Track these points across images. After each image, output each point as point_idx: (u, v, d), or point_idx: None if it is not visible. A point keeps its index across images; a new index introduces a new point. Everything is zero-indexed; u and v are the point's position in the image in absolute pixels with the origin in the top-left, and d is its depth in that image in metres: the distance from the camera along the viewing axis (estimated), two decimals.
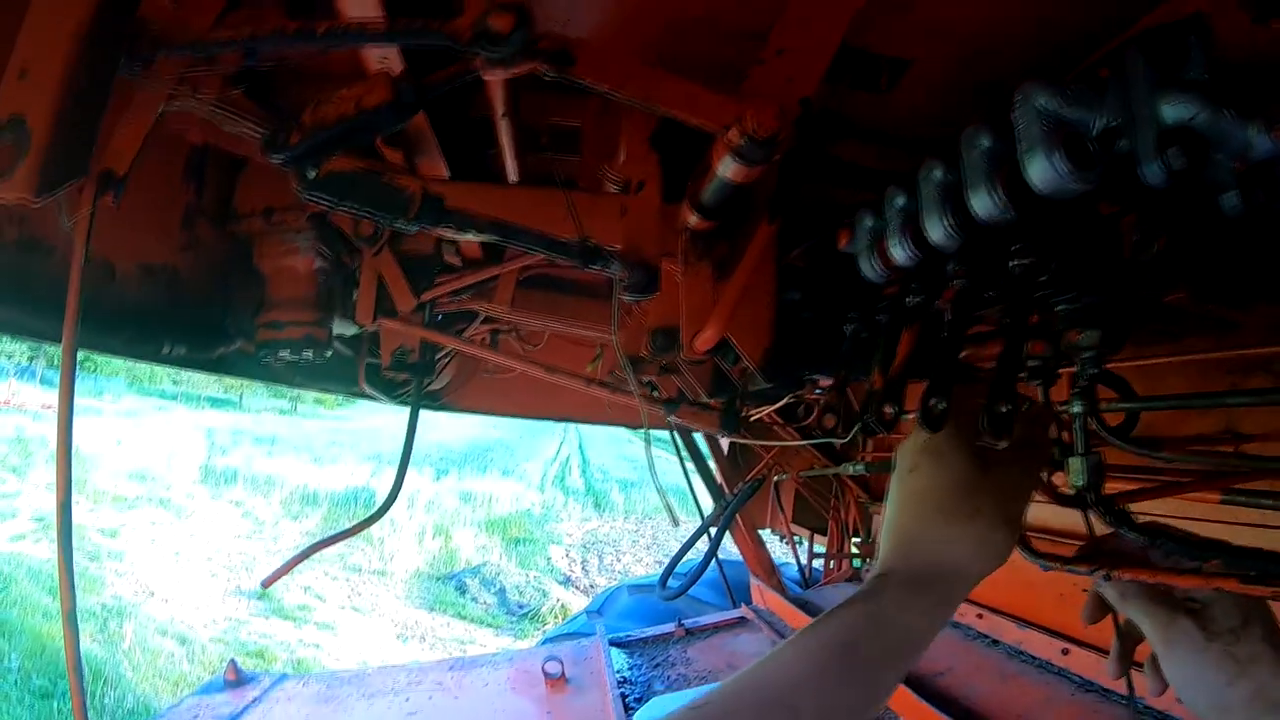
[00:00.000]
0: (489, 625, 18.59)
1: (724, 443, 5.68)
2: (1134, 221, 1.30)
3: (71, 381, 1.79)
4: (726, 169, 1.52)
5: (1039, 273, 1.30)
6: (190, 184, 2.72)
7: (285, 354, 2.92)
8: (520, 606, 19.42)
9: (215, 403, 58.44)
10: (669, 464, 4.81)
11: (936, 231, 1.45)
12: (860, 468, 3.98)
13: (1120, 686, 3.05)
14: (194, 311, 2.82)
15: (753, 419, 3.63)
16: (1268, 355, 2.31)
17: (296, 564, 3.11)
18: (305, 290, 2.94)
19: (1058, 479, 1.48)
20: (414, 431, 3.48)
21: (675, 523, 3.23)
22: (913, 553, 1.29)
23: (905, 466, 1.39)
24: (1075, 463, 1.30)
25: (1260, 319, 1.86)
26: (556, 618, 17.66)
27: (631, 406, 4.91)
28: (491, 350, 3.51)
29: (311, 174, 1.36)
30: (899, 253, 1.59)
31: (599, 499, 33.76)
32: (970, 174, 1.34)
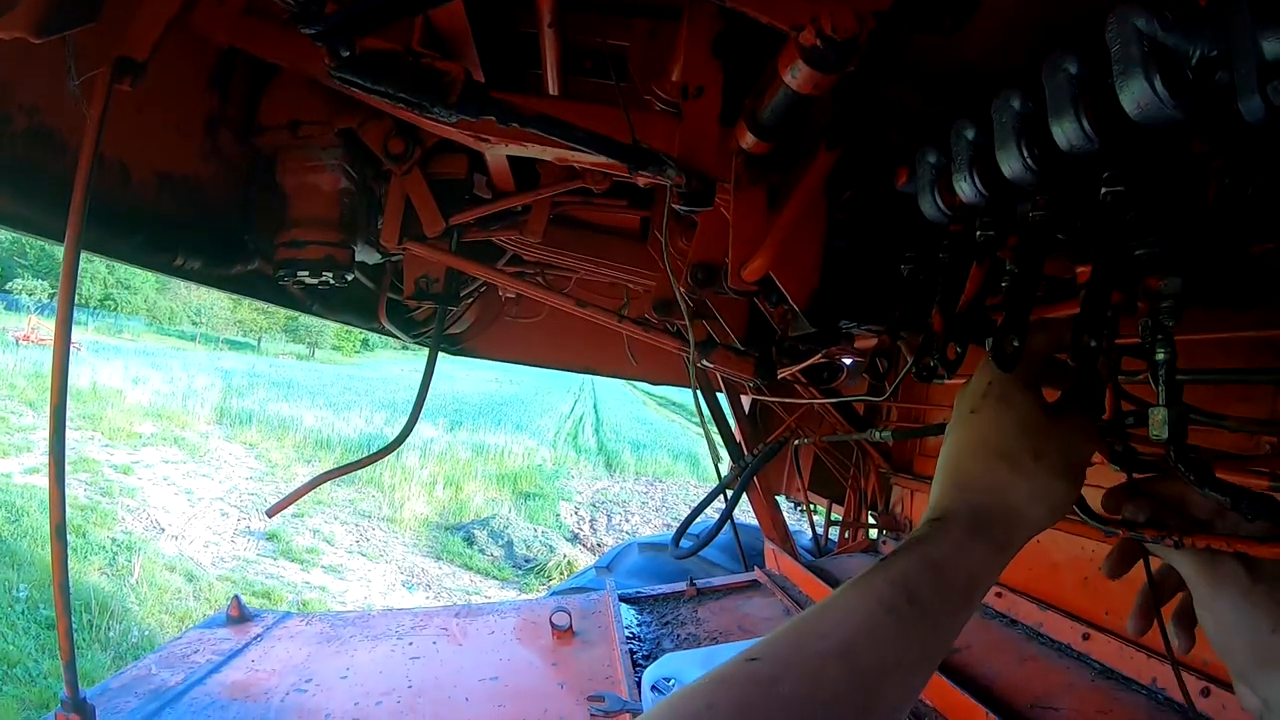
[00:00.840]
0: (495, 577, 18.64)
1: (745, 403, 5.61)
2: (1222, 165, 1.21)
3: (74, 276, 1.70)
4: (795, 77, 1.42)
5: (1130, 205, 1.20)
6: (215, 91, 2.64)
7: (304, 275, 2.83)
8: (527, 560, 19.45)
9: (233, 345, 59.30)
10: (677, 430, 4.75)
11: (1013, 164, 1.35)
12: (886, 434, 3.89)
13: (1138, 671, 2.98)
14: (212, 224, 2.74)
15: (779, 378, 3.56)
16: None
17: (303, 494, 3.04)
18: (328, 209, 2.84)
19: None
20: (433, 364, 3.40)
21: (717, 459, 3.15)
22: (972, 495, 1.23)
23: (966, 408, 1.31)
24: (1159, 414, 1.20)
25: None
26: (563, 574, 17.74)
27: (654, 358, 4.85)
28: (520, 281, 3.39)
29: (345, 52, 1.25)
30: (966, 188, 1.49)
31: (610, 458, 33.97)
32: (1054, 100, 1.24)
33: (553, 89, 2.25)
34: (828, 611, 1.08)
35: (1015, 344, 1.24)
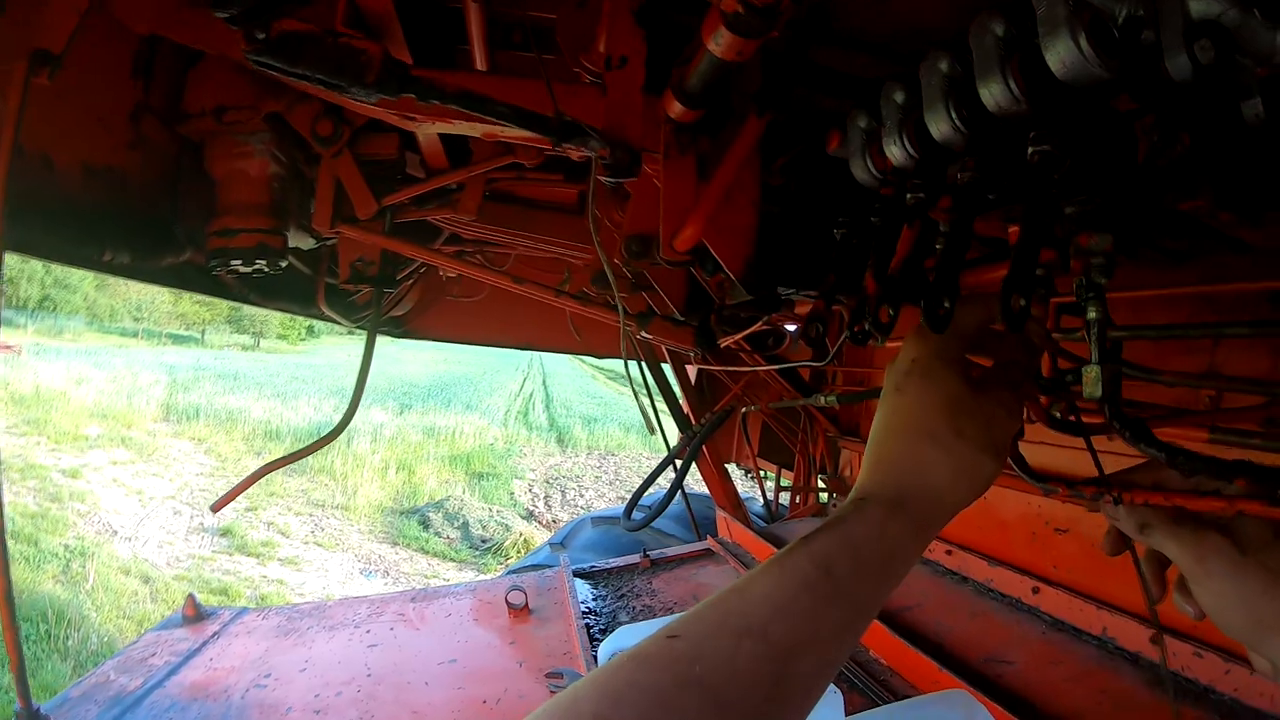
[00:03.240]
0: (452, 559, 18.53)
1: (691, 373, 5.64)
2: (1152, 123, 1.21)
3: None
4: (719, 44, 1.41)
5: (1057, 164, 1.19)
6: (138, 79, 2.57)
7: (237, 264, 2.77)
8: (483, 540, 19.37)
9: (177, 339, 58.48)
10: (628, 403, 4.77)
11: (941, 126, 1.35)
12: (831, 399, 3.90)
13: (1089, 622, 3.03)
14: (140, 216, 2.68)
15: (722, 347, 3.57)
16: (1257, 292, 2.25)
17: (247, 486, 2.99)
18: (259, 195, 2.78)
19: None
20: (372, 349, 3.35)
21: (652, 430, 3.16)
22: (893, 475, 1.24)
23: (891, 386, 1.32)
24: (1092, 371, 1.19)
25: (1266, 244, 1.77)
26: (519, 552, 17.57)
27: (599, 332, 4.85)
28: (458, 260, 3.35)
29: (261, 34, 1.22)
30: (896, 152, 1.49)
31: (562, 434, 33.85)
32: (982, 62, 1.24)
33: (480, 64, 2.22)
34: (747, 588, 1.08)
35: (946, 305, 1.23)
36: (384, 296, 3.60)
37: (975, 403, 1.23)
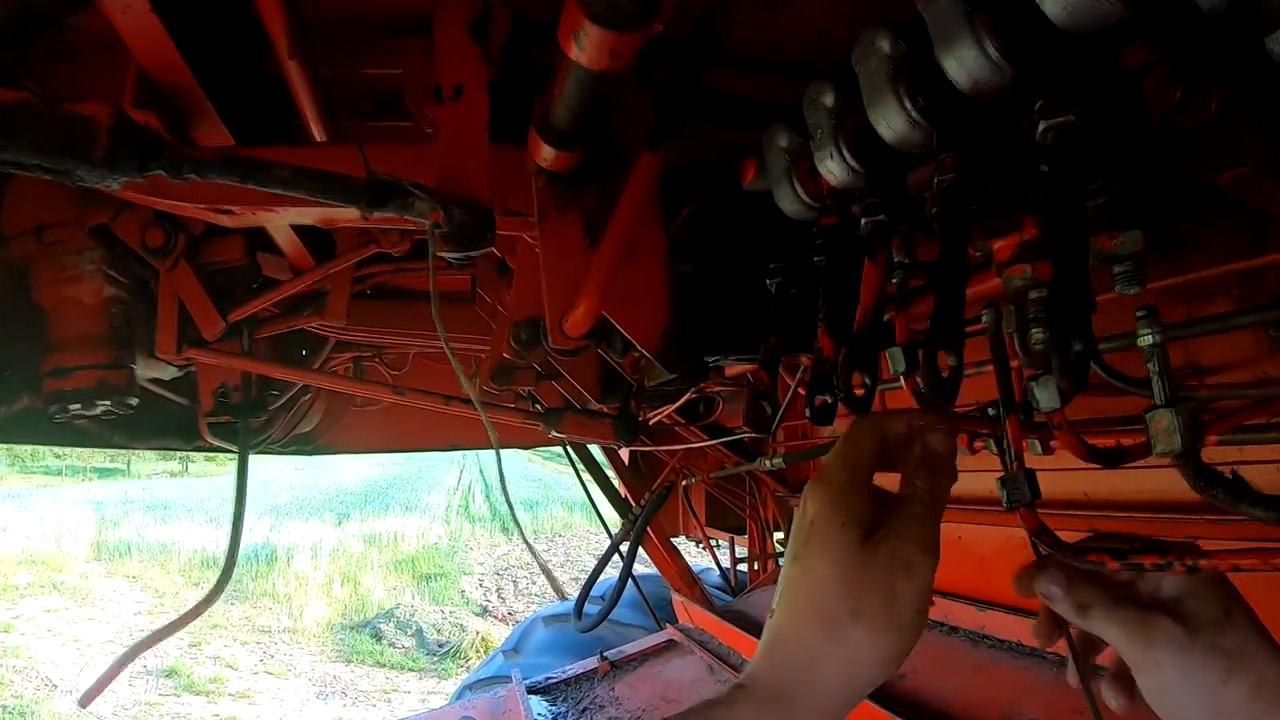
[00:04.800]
0: (410, 669, 18.08)
1: (624, 452, 5.43)
2: (1165, 77, 0.92)
3: None
4: (584, 47, 1.07)
5: (1082, 139, 0.86)
6: None
7: (77, 407, 2.43)
8: (440, 645, 18.99)
9: (102, 473, 57.75)
10: (569, 481, 4.56)
11: (893, 121, 1.05)
12: (777, 461, 3.62)
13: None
14: None
15: (652, 422, 3.26)
16: (1223, 276, 1.99)
17: (118, 672, 2.65)
18: (95, 325, 2.45)
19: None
20: (244, 489, 2.98)
21: (562, 596, 2.84)
22: (780, 666, 1.09)
23: (790, 552, 1.15)
24: (1163, 419, 0.87)
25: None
26: (478, 652, 17.37)
27: (519, 424, 4.56)
28: (324, 375, 2.97)
29: None
30: (833, 167, 1.19)
31: (505, 522, 33.65)
32: (943, 24, 0.95)
33: (319, 136, 1.86)
34: None
35: (867, 383, 0.98)
36: (290, 415, 3.39)
37: (871, 571, 1.06)
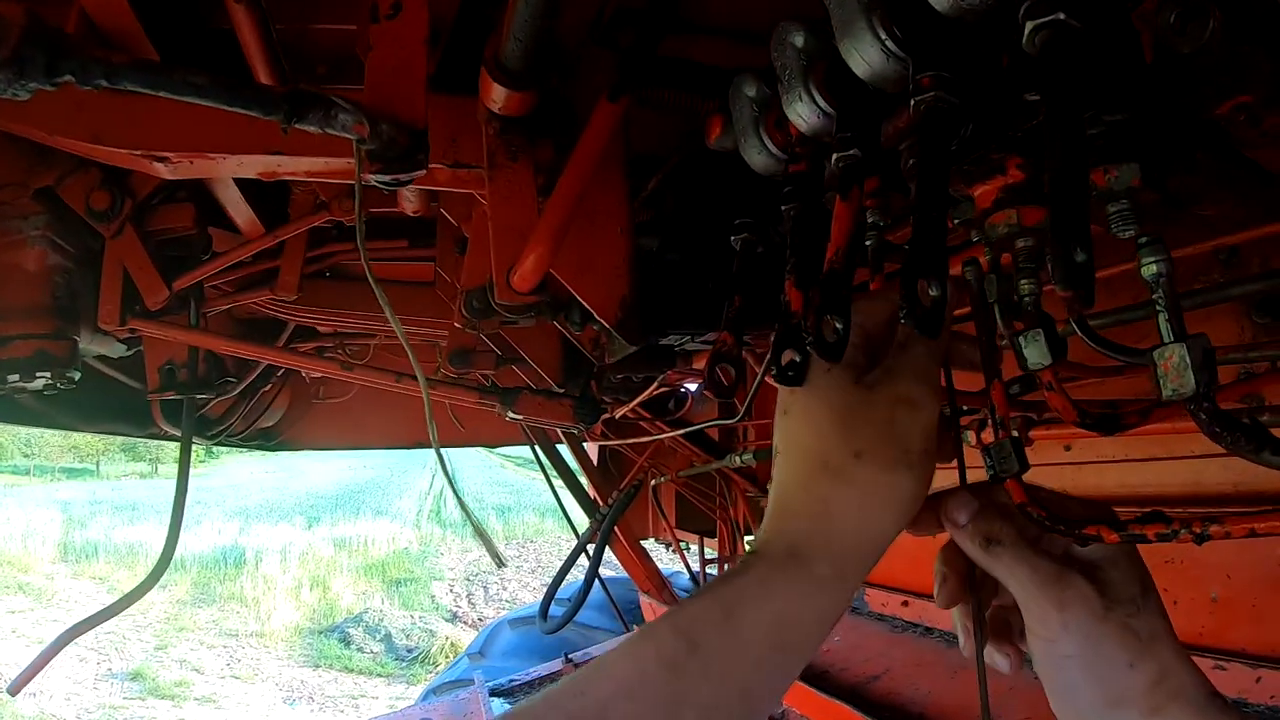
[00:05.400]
0: (378, 674, 18.17)
1: (592, 451, 5.38)
2: (1158, 6, 0.86)
3: None
4: None
5: (1078, 45, 0.78)
6: None
7: (15, 378, 2.34)
8: (408, 651, 19.08)
9: (71, 473, 57.63)
10: (541, 487, 4.50)
11: (868, 53, 0.96)
12: (747, 457, 3.54)
13: None
14: None
15: (619, 417, 3.19)
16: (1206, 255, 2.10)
17: (49, 659, 2.56)
18: (37, 294, 2.36)
19: None
20: (186, 474, 2.85)
21: (500, 564, 2.74)
22: (787, 521, 1.02)
23: (779, 408, 1.07)
24: (1173, 354, 0.79)
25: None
26: (448, 656, 17.33)
27: (485, 419, 4.48)
28: (269, 349, 2.88)
29: None
30: (803, 110, 1.10)
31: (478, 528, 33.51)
32: None
33: None
34: (600, 664, 0.96)
35: (838, 327, 0.94)
36: (251, 405, 3.40)
37: (870, 410, 1.00)
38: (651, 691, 0.91)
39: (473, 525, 1.89)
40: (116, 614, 2.78)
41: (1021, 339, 0.93)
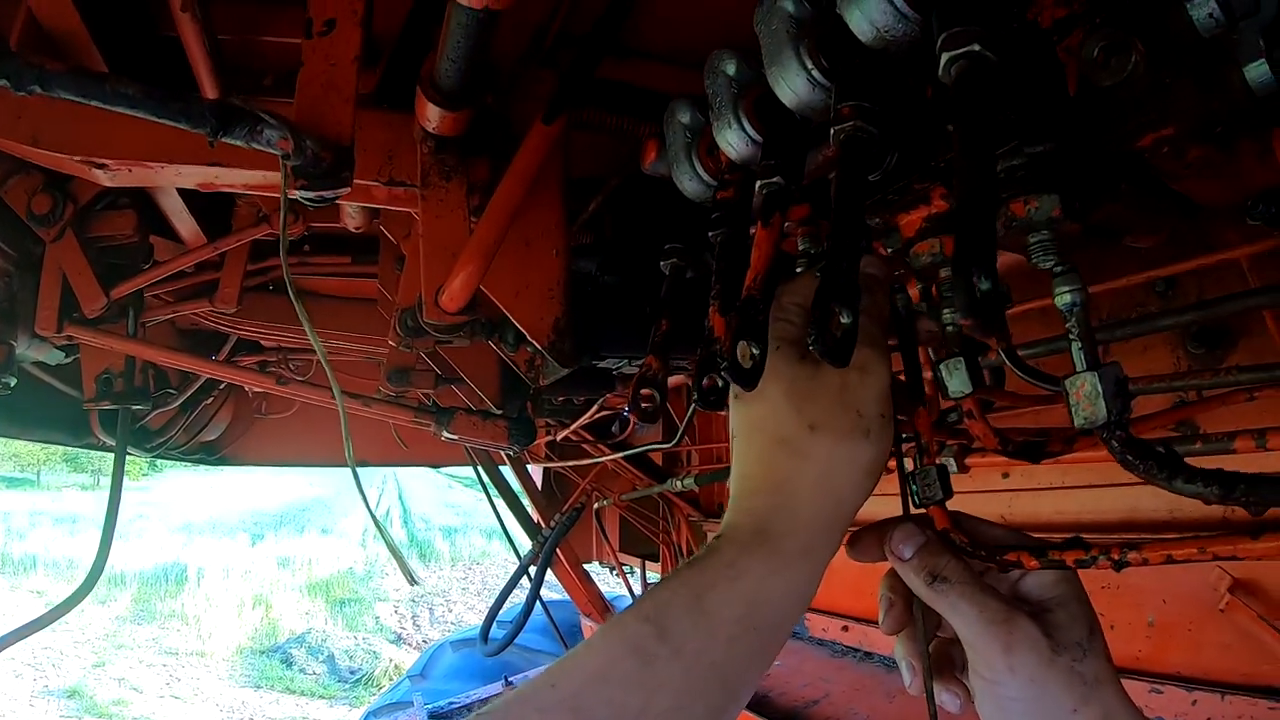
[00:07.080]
0: (321, 696, 17.86)
1: (537, 474, 5.39)
2: (1083, 37, 0.90)
3: None
4: None
5: (991, 75, 0.80)
6: None
7: None
8: (352, 673, 18.83)
9: (10, 482, 56.45)
10: (489, 510, 4.44)
11: (795, 83, 0.99)
12: (689, 481, 3.54)
13: None
14: None
15: (560, 439, 3.20)
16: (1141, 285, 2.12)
17: None
18: None
19: None
20: (119, 485, 2.81)
21: (412, 582, 2.73)
22: (751, 500, 1.02)
23: (732, 395, 1.07)
24: (1084, 383, 0.82)
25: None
26: (391, 679, 17.05)
27: (427, 438, 4.48)
28: (205, 361, 2.86)
29: None
30: (733, 138, 1.13)
31: (423, 549, 33.42)
32: None
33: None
34: (570, 657, 0.95)
35: (754, 352, 0.94)
36: (192, 418, 3.29)
37: (819, 382, 1.01)
38: (622, 679, 0.90)
39: (386, 543, 1.89)
40: (44, 627, 2.73)
41: (944, 367, 0.94)
